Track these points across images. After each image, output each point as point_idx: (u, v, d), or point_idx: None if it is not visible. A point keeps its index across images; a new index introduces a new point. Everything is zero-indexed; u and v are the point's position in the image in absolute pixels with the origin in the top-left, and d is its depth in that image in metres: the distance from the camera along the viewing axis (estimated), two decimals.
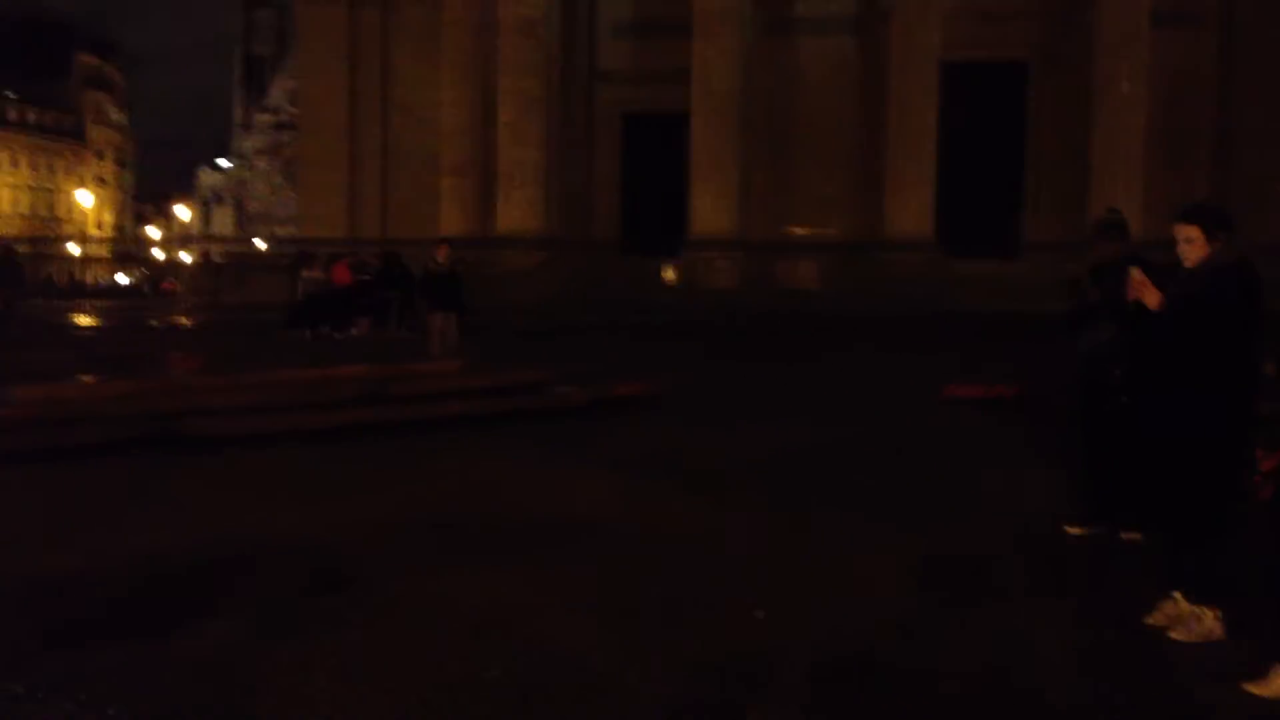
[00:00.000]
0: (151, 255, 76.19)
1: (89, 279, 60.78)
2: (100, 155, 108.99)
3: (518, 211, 32.84)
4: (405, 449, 10.51)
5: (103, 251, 77.21)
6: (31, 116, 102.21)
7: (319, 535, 7.32)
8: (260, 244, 50.60)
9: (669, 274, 33.24)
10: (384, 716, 4.49)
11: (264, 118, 62.67)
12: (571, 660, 5.08)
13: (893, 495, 8.61)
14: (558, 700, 4.63)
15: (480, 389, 13.07)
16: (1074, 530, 7.33)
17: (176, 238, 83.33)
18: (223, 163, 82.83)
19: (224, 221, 78.58)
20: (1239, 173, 31.49)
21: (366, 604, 5.92)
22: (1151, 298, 5.35)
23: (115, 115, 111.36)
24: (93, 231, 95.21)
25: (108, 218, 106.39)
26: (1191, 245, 5.43)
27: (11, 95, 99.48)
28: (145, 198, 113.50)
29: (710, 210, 31.90)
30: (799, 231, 33.46)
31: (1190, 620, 5.40)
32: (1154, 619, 5.54)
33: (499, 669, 4.94)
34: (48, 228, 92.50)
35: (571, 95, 35.74)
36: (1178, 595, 5.53)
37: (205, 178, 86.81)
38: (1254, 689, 4.69)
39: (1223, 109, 32.28)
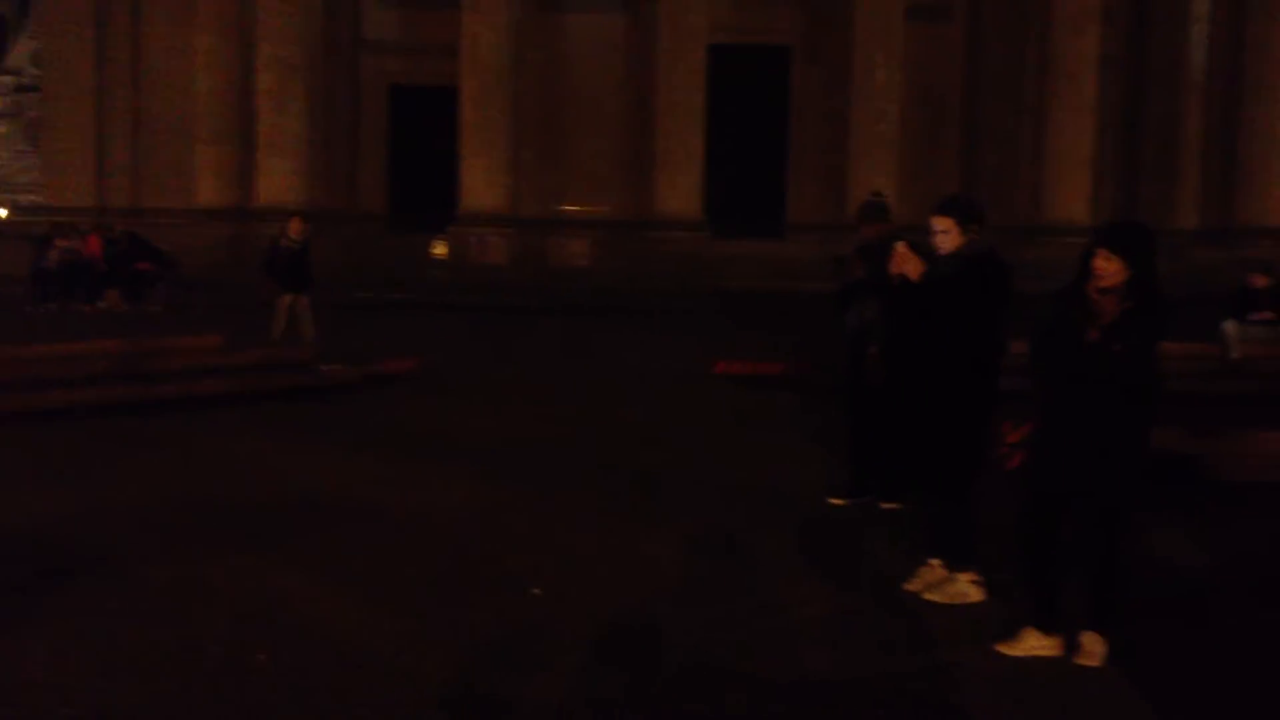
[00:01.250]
0: None
1: None
2: None
3: (278, 182, 31.69)
4: (162, 428, 10.02)
5: None
6: None
7: (63, 520, 6.89)
8: (1, 212, 47.26)
9: (439, 250, 32.75)
10: (140, 707, 4.26)
11: (4, 79, 58.48)
12: (342, 644, 4.93)
13: (662, 470, 8.71)
14: (330, 687, 4.48)
15: (244, 366, 12.56)
16: (837, 501, 7.59)
17: None
18: None
19: None
20: (984, 161, 33.29)
21: (118, 591, 5.60)
22: (914, 268, 5.55)
23: None
24: None
25: None
26: (947, 236, 5.68)
27: None
28: None
29: (481, 186, 31.57)
30: (570, 209, 33.50)
31: (946, 585, 5.66)
32: (912, 585, 5.79)
33: (266, 656, 4.76)
34: None
35: (336, 65, 34.71)
36: (935, 562, 5.80)
37: None
38: (1004, 649, 4.94)
39: (969, 101, 34.00)
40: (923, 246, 5.76)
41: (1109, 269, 4.71)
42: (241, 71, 32.76)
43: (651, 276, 27.78)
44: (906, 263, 5.56)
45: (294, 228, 15.66)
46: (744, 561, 6.43)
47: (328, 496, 7.70)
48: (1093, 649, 4.82)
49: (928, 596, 5.64)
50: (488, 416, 11.10)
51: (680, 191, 31.43)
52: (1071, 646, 4.87)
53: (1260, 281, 13.73)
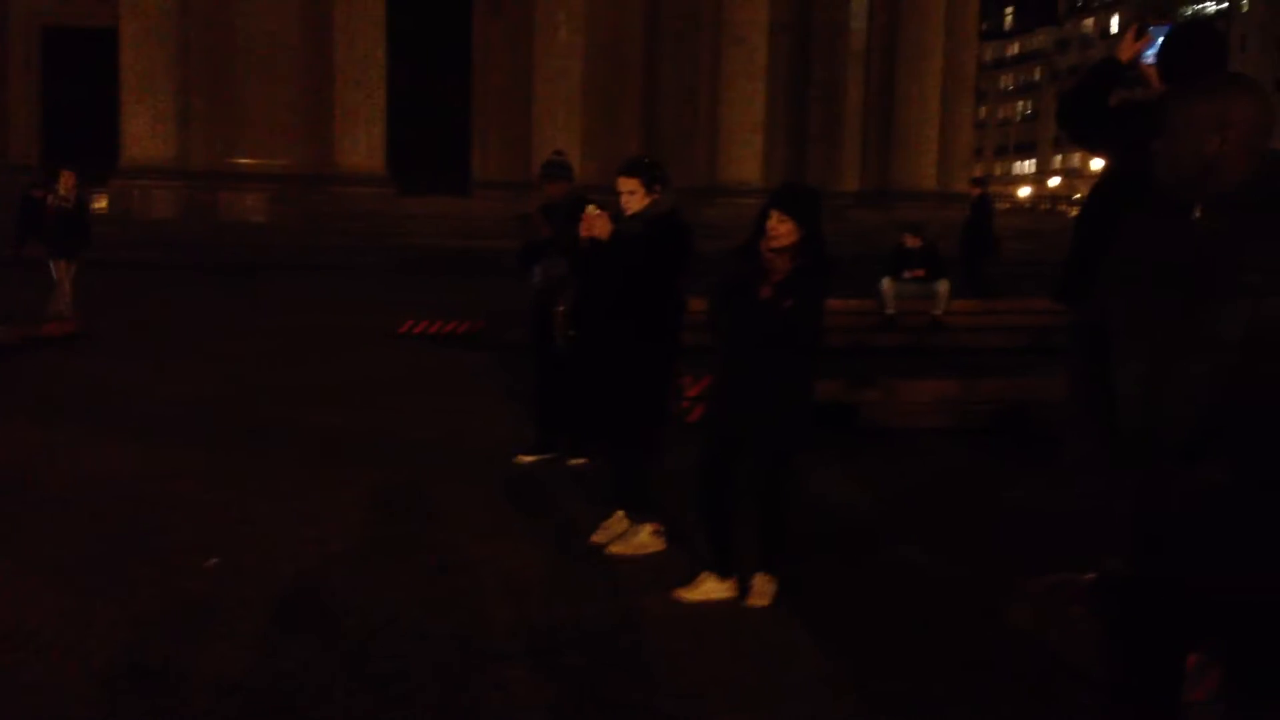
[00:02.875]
0: None
1: None
2: None
3: None
4: None
5: None
6: None
7: None
8: None
9: (99, 203, 30.70)
10: None
11: None
12: (9, 625, 4.60)
13: (345, 432, 8.55)
14: None
15: None
16: (525, 459, 7.67)
17: None
18: None
19: None
20: (665, 122, 34.18)
21: None
22: (603, 228, 5.66)
23: None
24: None
25: None
26: (633, 196, 5.82)
27: None
28: None
29: (144, 135, 29.77)
30: (245, 161, 32.07)
31: (629, 536, 5.84)
32: (597, 536, 5.93)
33: None
34: None
35: None
36: (618, 513, 5.96)
37: None
38: (684, 594, 5.15)
39: (650, 63, 34.78)
40: (608, 206, 5.88)
41: (781, 230, 4.94)
42: None
43: (333, 233, 27.06)
44: (596, 223, 5.66)
45: (65, 183, 13.61)
46: (430, 520, 6.39)
47: None
48: (763, 589, 5.10)
49: (611, 549, 5.79)
50: (157, 379, 10.55)
51: (362, 146, 30.70)
52: (746, 589, 5.13)
53: (912, 242, 14.76)
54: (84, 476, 7.06)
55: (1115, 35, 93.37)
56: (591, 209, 5.70)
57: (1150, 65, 4.55)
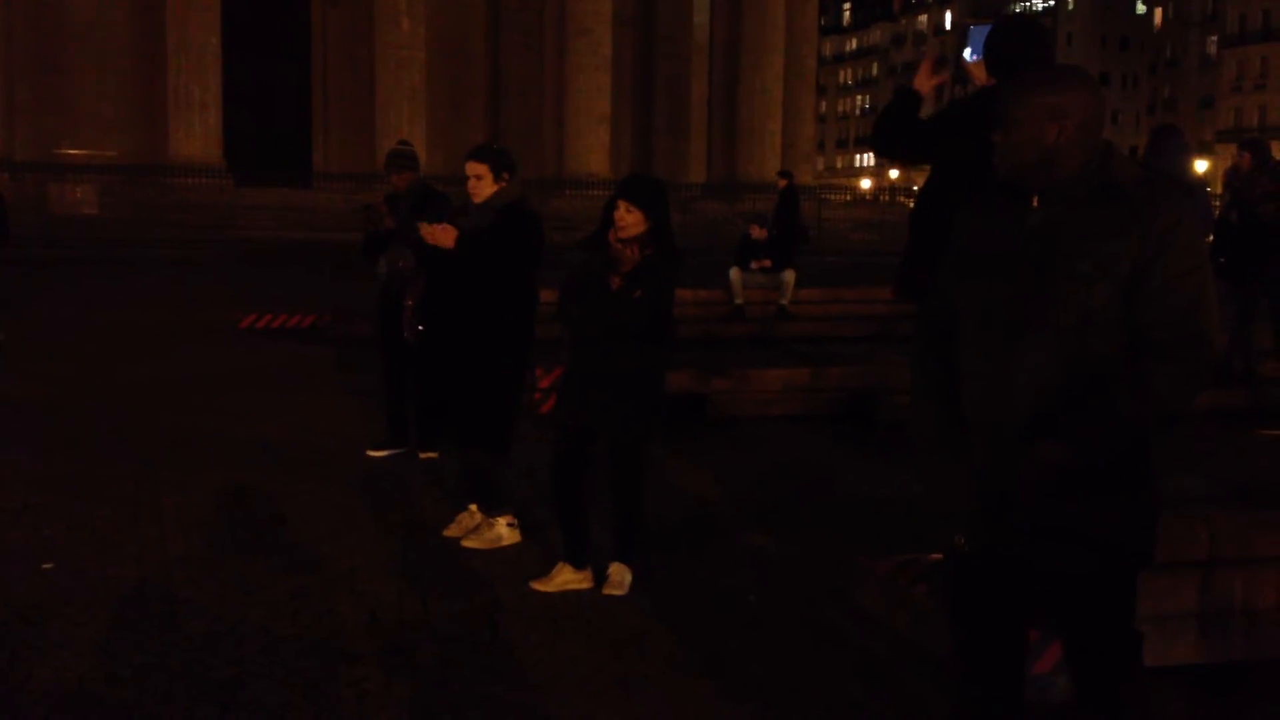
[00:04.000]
0: None
1: None
2: None
3: None
4: None
5: None
6: None
7: None
8: None
9: None
10: None
11: None
12: None
13: (186, 431, 8.28)
14: None
15: None
16: (376, 453, 7.55)
17: None
18: None
19: None
20: (510, 114, 34.01)
21: None
22: (447, 239, 5.60)
23: None
24: None
25: None
26: (481, 182, 5.76)
27: None
28: None
29: None
30: (73, 152, 30.82)
31: (483, 529, 5.79)
32: (451, 530, 5.88)
33: None
34: None
35: None
36: (472, 507, 5.91)
37: None
38: (539, 585, 5.14)
39: (494, 54, 34.58)
40: (454, 198, 5.82)
41: (629, 220, 4.96)
42: None
43: (169, 225, 26.24)
44: (439, 237, 5.59)
45: None
46: (278, 520, 6.23)
47: None
48: (619, 579, 5.12)
49: (466, 543, 5.74)
50: None
51: (197, 136, 29.85)
52: (602, 579, 5.14)
53: (758, 233, 15.00)
54: None
55: (948, 31, 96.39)
56: (424, 228, 5.63)
57: (974, 63, 4.69)
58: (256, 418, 8.82)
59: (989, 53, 4.50)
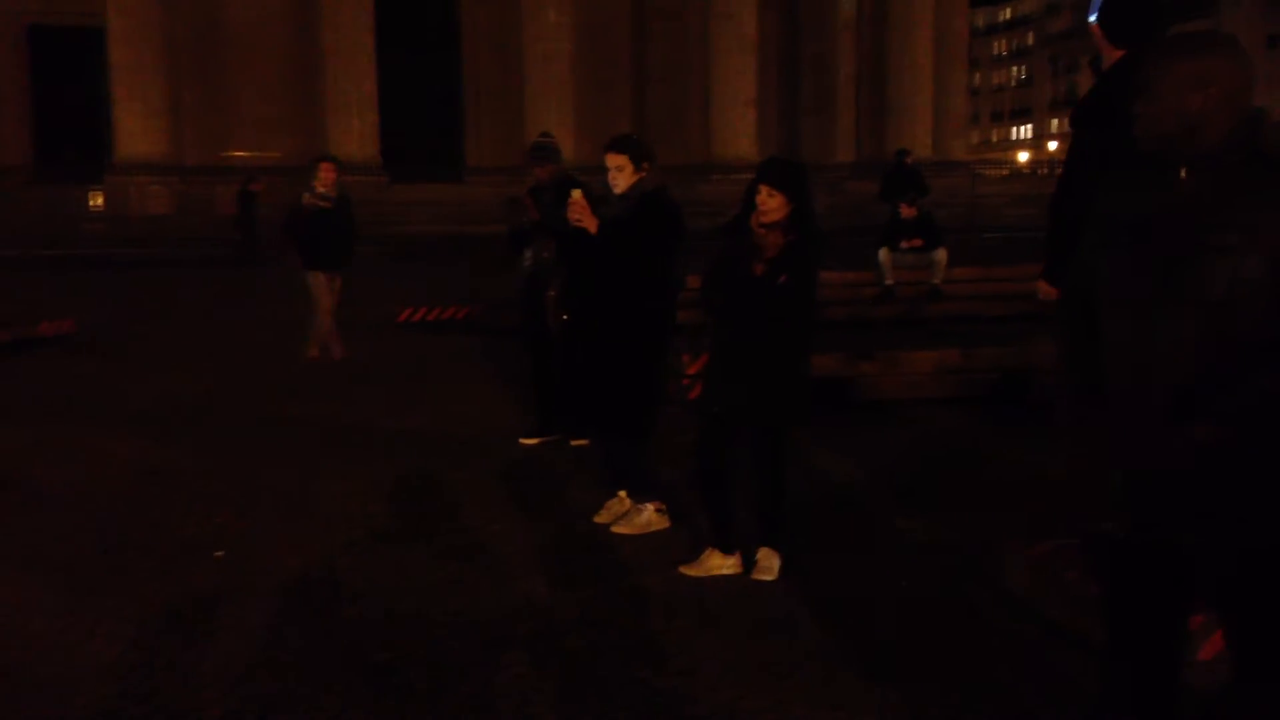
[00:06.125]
0: None
1: None
2: None
3: None
4: None
5: None
6: None
7: None
8: None
9: (97, 200, 30.70)
10: None
11: None
12: (15, 625, 4.62)
13: (347, 421, 8.56)
14: (1, 667, 4.19)
15: None
16: (528, 441, 7.68)
17: None
18: None
19: None
20: (656, 100, 34.10)
21: None
22: (590, 223, 5.67)
23: None
24: None
25: None
26: (621, 173, 5.81)
27: None
28: None
29: (137, 131, 29.75)
30: (238, 154, 32.02)
31: (633, 515, 5.85)
32: (601, 517, 5.95)
33: None
34: None
35: None
36: (621, 493, 5.98)
37: None
38: (687, 570, 5.17)
39: (638, 41, 34.68)
40: (596, 186, 5.87)
41: (771, 205, 4.94)
42: None
43: None
44: (583, 216, 5.66)
45: (324, 178, 11.18)
46: (433, 508, 6.41)
47: None
48: (767, 564, 5.11)
49: (615, 529, 5.81)
50: (151, 377, 10.55)
51: (354, 135, 30.67)
52: (750, 563, 5.14)
53: (908, 211, 14.73)
54: (81, 473, 7.07)
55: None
56: (577, 197, 5.69)
57: (1093, 24, 4.49)
58: (412, 408, 9.06)
59: (1103, 21, 4.32)
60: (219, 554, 5.53)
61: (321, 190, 11.00)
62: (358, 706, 3.93)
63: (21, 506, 6.40)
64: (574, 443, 7.56)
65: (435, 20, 33.64)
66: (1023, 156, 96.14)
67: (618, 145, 5.87)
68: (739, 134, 32.23)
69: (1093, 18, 4.48)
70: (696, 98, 33.50)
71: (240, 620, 4.70)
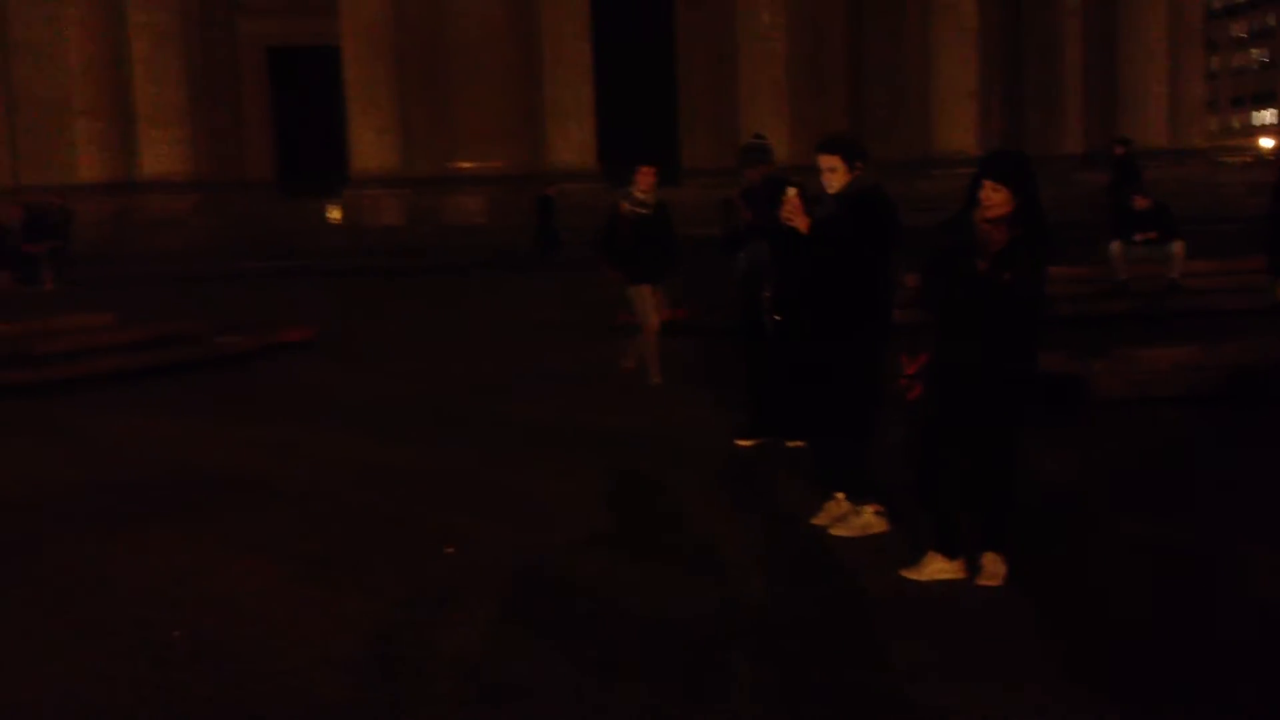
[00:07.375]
0: None
1: None
2: None
3: (162, 153, 31.00)
4: (47, 411, 9.77)
5: None
6: None
7: None
8: None
9: (334, 214, 32.28)
10: (62, 690, 4.19)
11: None
12: (252, 615, 4.90)
13: (574, 423, 8.73)
14: (242, 657, 4.46)
15: (134, 342, 12.31)
16: (744, 443, 7.68)
17: None
18: None
19: None
20: (872, 96, 33.59)
21: (22, 574, 5.50)
22: (801, 223, 5.63)
23: None
24: None
25: None
26: (834, 173, 5.74)
27: None
28: None
29: (370, 146, 31.12)
30: (463, 165, 33.12)
31: (851, 518, 5.78)
32: (819, 519, 5.90)
33: (180, 633, 4.71)
34: None
35: (210, 29, 33.79)
36: (839, 496, 5.91)
37: None
38: (909, 574, 5.07)
39: (853, 37, 34.21)
40: (809, 186, 5.83)
41: (995, 199, 4.80)
42: (114, 40, 31.80)
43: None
44: (796, 215, 5.62)
45: (643, 182, 10.64)
46: (649, 507, 6.49)
47: (224, 469, 7.60)
48: (994, 570, 4.96)
49: (834, 531, 5.75)
50: (386, 380, 11.02)
51: (573, 143, 31.26)
52: (974, 568, 5.00)
53: (1142, 203, 14.07)
54: (322, 474, 7.44)
55: None
56: (792, 195, 5.66)
57: None
58: (627, 409, 9.17)
59: None
60: (449, 549, 5.73)
61: (640, 195, 10.40)
62: (584, 700, 4.00)
63: (264, 503, 6.77)
64: (789, 444, 7.51)
65: (649, 24, 33.97)
66: (1266, 143, 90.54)
67: (830, 145, 5.81)
68: (960, 127, 31.41)
69: None
70: (915, 91, 32.80)
71: (471, 612, 4.86)
